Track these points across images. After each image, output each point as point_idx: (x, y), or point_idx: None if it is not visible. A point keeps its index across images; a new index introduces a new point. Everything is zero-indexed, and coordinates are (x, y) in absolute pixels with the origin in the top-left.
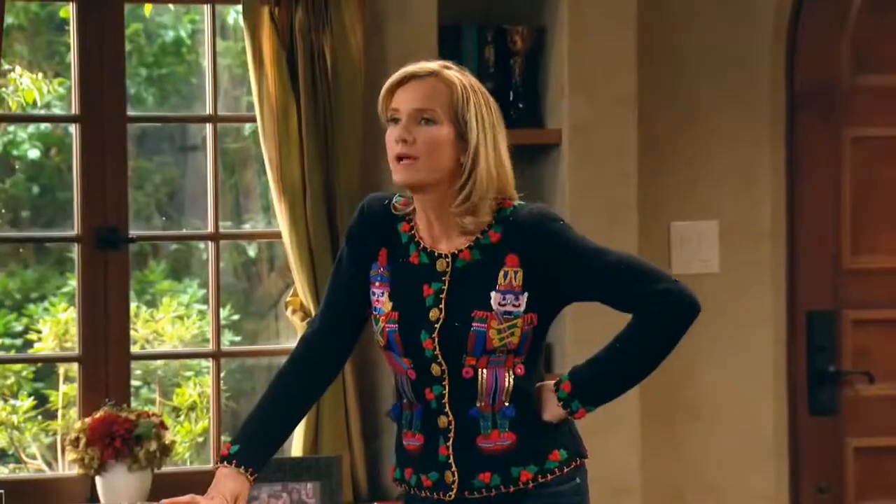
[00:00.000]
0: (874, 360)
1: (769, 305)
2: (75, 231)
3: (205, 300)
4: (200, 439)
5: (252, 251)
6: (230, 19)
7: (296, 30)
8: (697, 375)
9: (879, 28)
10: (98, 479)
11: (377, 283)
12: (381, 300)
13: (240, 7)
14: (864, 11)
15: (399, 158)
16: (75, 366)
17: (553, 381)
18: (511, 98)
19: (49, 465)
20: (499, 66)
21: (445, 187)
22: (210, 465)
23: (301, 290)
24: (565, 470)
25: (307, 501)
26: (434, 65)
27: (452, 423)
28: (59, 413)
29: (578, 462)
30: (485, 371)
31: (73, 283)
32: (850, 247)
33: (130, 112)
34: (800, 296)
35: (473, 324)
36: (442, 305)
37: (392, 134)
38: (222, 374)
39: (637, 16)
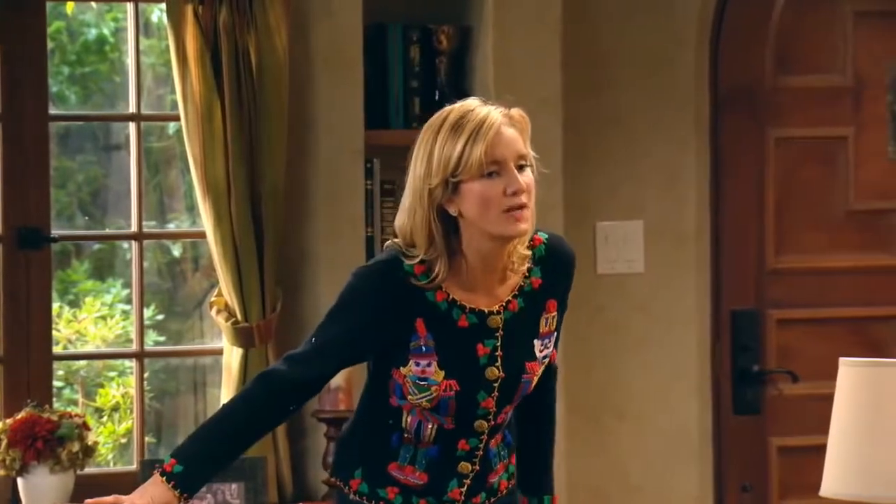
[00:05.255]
0: (798, 359)
1: (693, 305)
2: None
3: (128, 300)
4: (124, 440)
5: (176, 251)
6: (154, 17)
7: (220, 28)
8: (622, 375)
9: (802, 29)
10: (20, 481)
11: (420, 355)
12: (430, 370)
13: (163, 5)
14: (787, 13)
15: (513, 209)
16: None
17: None
18: (437, 98)
19: None
20: (424, 66)
21: None
22: (133, 467)
23: (225, 289)
24: (514, 471)
25: (231, 502)
26: (493, 105)
27: (477, 469)
28: None
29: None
30: (510, 413)
31: None
32: (773, 246)
33: (52, 111)
34: (724, 295)
35: (524, 376)
36: (499, 363)
37: (497, 186)
38: (146, 375)
39: (562, 17)
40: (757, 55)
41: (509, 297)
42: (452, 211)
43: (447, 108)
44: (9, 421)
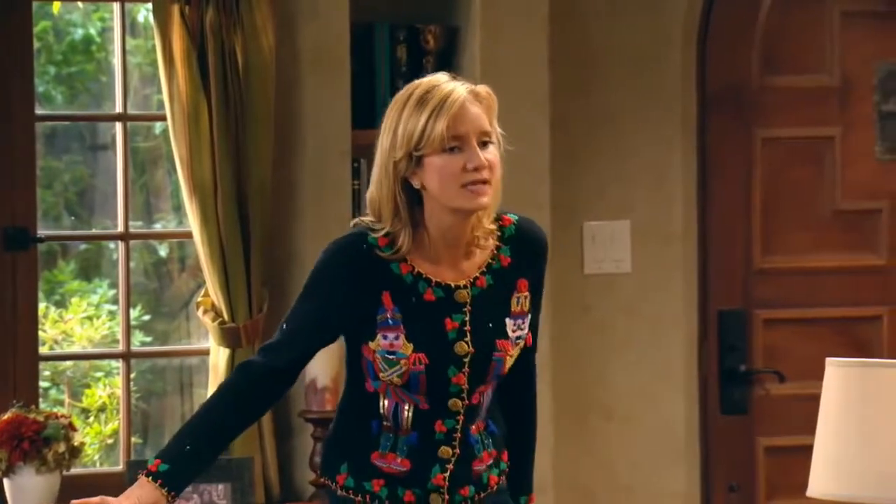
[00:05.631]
0: (784, 359)
1: (681, 305)
2: None
3: (115, 300)
4: (110, 441)
5: (163, 251)
6: (140, 17)
7: (206, 28)
8: (610, 375)
9: (789, 29)
10: (6, 482)
11: (387, 328)
12: (397, 343)
13: (150, 5)
14: (774, 13)
15: (472, 184)
16: None
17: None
18: None
19: None
20: (411, 66)
21: None
22: (120, 467)
23: (212, 289)
24: (507, 469)
25: (218, 502)
26: (461, 81)
27: (458, 453)
28: None
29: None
30: (486, 394)
31: None
32: (760, 246)
33: (39, 111)
34: (711, 295)
35: (495, 353)
36: (468, 339)
37: (458, 161)
38: (132, 375)
39: (549, 15)
40: (744, 55)
41: (477, 274)
42: (416, 184)
43: (416, 82)
44: None
